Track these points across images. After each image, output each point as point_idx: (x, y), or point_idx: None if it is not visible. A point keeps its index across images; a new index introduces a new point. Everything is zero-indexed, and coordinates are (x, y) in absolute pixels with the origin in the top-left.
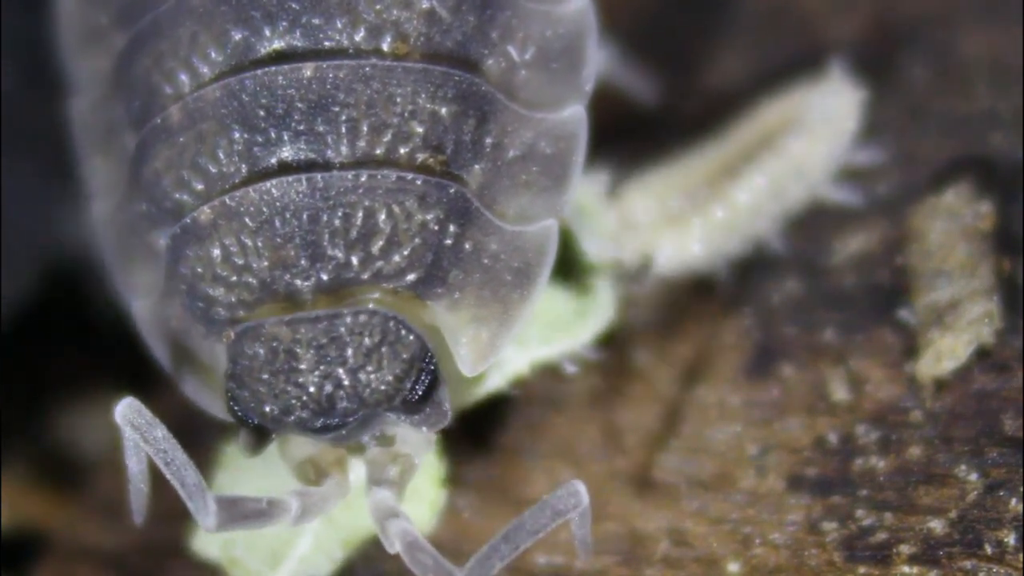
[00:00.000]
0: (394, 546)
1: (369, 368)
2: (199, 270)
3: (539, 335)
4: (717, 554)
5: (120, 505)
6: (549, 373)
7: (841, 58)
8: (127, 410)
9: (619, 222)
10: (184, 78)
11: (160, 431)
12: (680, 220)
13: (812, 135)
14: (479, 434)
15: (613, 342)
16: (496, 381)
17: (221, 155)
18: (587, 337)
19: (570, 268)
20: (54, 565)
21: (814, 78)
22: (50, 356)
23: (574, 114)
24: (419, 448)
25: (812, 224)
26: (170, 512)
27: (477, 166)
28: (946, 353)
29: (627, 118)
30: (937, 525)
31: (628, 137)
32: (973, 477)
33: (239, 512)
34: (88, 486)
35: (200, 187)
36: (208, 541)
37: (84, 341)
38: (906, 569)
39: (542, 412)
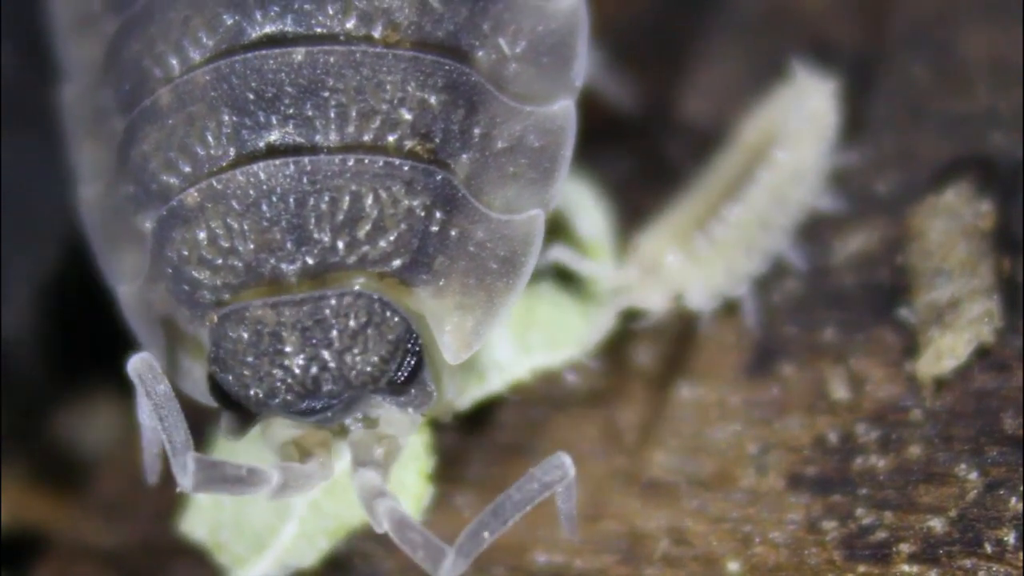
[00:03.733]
0: (382, 526)
1: (354, 350)
2: (185, 253)
3: (541, 342)
4: (717, 553)
5: (120, 505)
6: (548, 375)
7: (798, 56)
8: (139, 364)
9: (640, 271)
10: (174, 62)
11: (163, 387)
12: (700, 257)
13: (798, 141)
14: (479, 432)
15: (613, 346)
16: (495, 385)
17: (210, 137)
18: (589, 345)
19: (572, 276)
20: (54, 565)
21: (782, 83)
22: (51, 356)
23: (563, 109)
24: (404, 429)
25: (812, 224)
26: (169, 511)
27: (465, 155)
28: (946, 352)
29: (627, 119)
30: (937, 524)
31: (628, 138)
32: (973, 476)
33: (217, 475)
34: (88, 486)
35: (188, 169)
36: (195, 524)
37: (86, 340)
38: (906, 568)
39: (542, 411)
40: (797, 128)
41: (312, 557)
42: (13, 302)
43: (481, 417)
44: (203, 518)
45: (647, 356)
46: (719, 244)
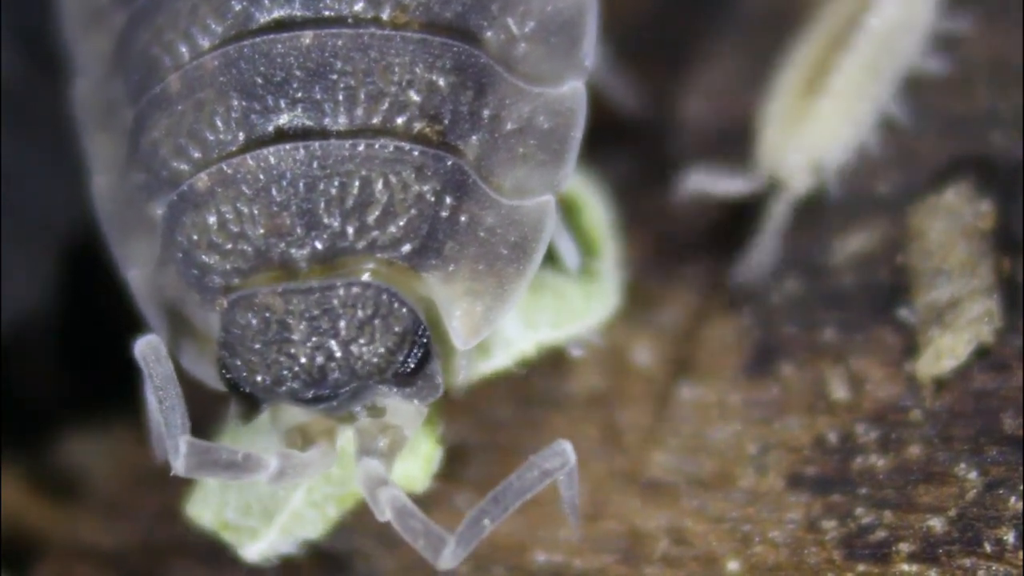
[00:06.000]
0: (384, 514)
1: (362, 340)
2: (195, 237)
3: (547, 319)
4: (716, 552)
5: (120, 505)
6: (550, 370)
7: None
8: (145, 347)
9: (771, 157)
10: (183, 49)
11: (165, 369)
12: (823, 116)
13: None
14: (479, 431)
15: (614, 342)
16: (502, 361)
17: (219, 123)
18: (594, 322)
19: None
20: (54, 565)
21: None
22: (51, 356)
23: (573, 90)
24: (410, 420)
25: (812, 224)
26: (169, 510)
27: (474, 137)
28: (946, 352)
29: (629, 119)
30: (936, 523)
31: (629, 138)
32: (972, 475)
33: (210, 459)
34: (88, 486)
35: (198, 155)
36: (201, 508)
37: (87, 341)
38: (905, 567)
39: (542, 411)
40: None
41: (320, 526)
42: (13, 303)
43: (484, 416)
44: (209, 501)
45: (647, 356)
46: (836, 99)
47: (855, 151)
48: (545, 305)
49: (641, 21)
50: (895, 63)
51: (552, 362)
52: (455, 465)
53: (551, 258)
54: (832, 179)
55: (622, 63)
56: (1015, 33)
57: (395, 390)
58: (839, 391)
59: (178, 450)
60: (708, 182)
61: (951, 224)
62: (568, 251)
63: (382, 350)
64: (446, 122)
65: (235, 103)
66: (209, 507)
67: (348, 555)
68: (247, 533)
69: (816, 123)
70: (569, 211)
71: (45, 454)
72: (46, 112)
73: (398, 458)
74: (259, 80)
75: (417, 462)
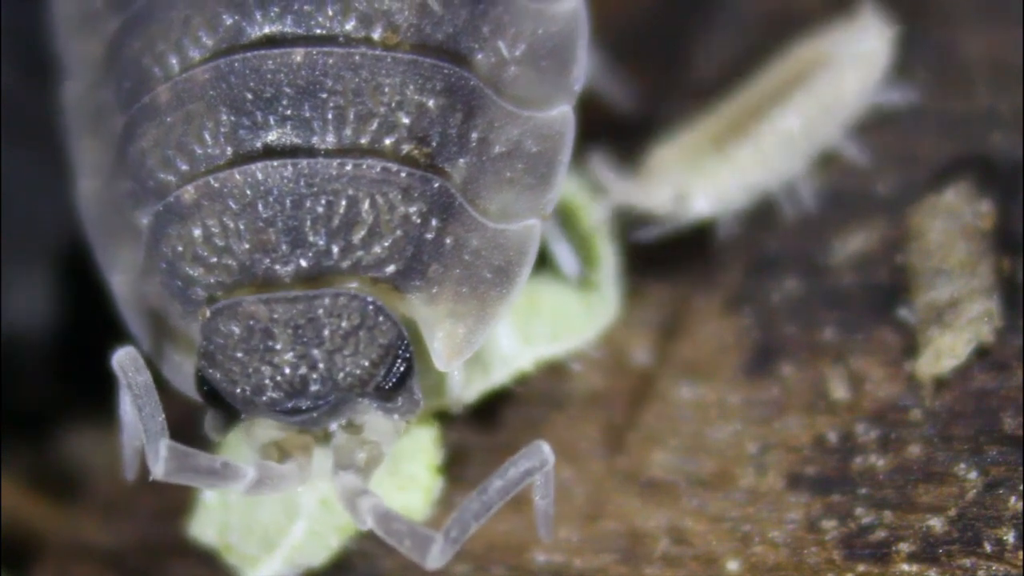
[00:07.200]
0: (366, 523)
1: (345, 351)
2: (179, 249)
3: (545, 332)
4: (716, 552)
5: (119, 505)
6: (549, 371)
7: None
8: (123, 357)
9: (648, 172)
10: (174, 60)
11: (143, 378)
12: (713, 162)
13: (843, 72)
14: (479, 431)
15: (613, 342)
16: (500, 377)
17: (207, 136)
18: (592, 335)
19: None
20: (53, 565)
21: (844, 18)
22: (51, 358)
23: (562, 114)
24: (388, 436)
25: (812, 224)
26: (169, 510)
27: (462, 160)
28: (946, 352)
29: (626, 119)
30: (936, 523)
31: (626, 136)
32: (972, 475)
33: (189, 464)
34: (87, 486)
35: (185, 167)
36: (204, 526)
37: (86, 344)
38: (905, 567)
39: (542, 411)
40: (846, 60)
41: (322, 555)
42: (13, 304)
43: (483, 416)
44: (212, 521)
45: (647, 356)
46: (733, 155)
47: (731, 212)
48: (543, 318)
49: (637, 21)
50: (812, 142)
51: (552, 362)
52: (454, 466)
53: (550, 267)
54: (689, 222)
55: (617, 63)
56: (1015, 33)
57: (375, 404)
58: (839, 391)
59: (158, 454)
60: (603, 172)
61: (951, 224)
62: (567, 261)
63: (365, 362)
64: (434, 144)
65: (224, 117)
66: (212, 526)
67: (348, 555)
68: (249, 560)
69: (707, 169)
70: (567, 219)
71: (45, 454)
72: (43, 120)
73: (396, 489)
74: (249, 95)
75: (417, 493)
